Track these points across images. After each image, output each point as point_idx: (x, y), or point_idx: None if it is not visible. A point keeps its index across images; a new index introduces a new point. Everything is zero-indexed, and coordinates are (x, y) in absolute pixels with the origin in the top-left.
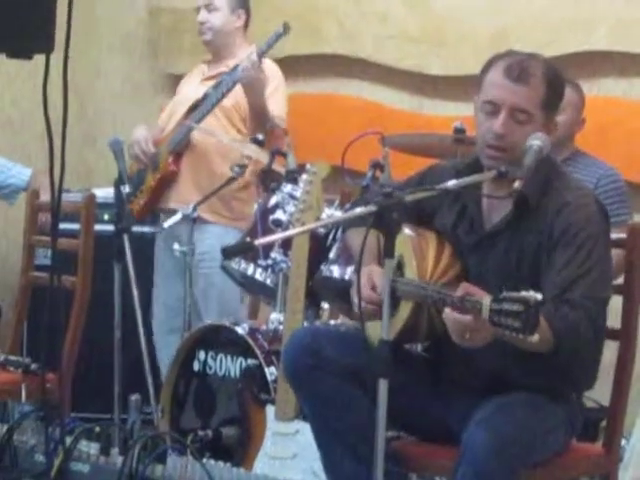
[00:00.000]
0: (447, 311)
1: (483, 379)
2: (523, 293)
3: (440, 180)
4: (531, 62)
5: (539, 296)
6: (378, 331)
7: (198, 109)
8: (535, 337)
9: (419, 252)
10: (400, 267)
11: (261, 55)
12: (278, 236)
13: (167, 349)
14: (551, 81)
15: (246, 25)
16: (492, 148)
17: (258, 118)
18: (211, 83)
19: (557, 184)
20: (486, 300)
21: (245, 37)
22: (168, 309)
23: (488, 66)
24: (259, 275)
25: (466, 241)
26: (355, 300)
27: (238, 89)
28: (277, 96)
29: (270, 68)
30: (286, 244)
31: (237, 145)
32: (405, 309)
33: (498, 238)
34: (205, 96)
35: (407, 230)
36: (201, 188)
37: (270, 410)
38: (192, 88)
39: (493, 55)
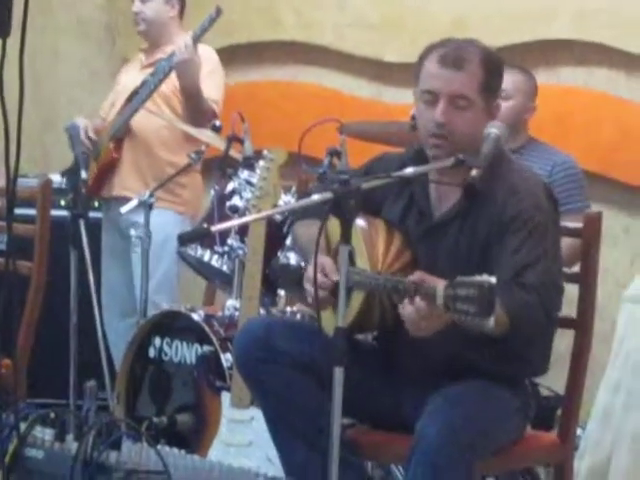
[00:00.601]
0: (405, 303)
1: (435, 366)
2: (477, 277)
3: (386, 171)
4: (467, 48)
5: (493, 280)
6: (332, 321)
7: (137, 96)
8: (491, 321)
9: (369, 241)
10: (351, 257)
11: (196, 39)
12: (234, 222)
13: (116, 334)
14: (488, 65)
15: (181, 13)
16: (435, 137)
17: (191, 100)
18: (149, 70)
19: (505, 171)
20: (440, 286)
21: (181, 24)
22: (114, 294)
23: (424, 56)
24: (215, 261)
25: (416, 231)
26: (310, 289)
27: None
28: (212, 80)
29: (206, 53)
30: (243, 231)
31: (194, 131)
32: (357, 299)
33: (448, 226)
34: (143, 83)
35: (357, 219)
36: (143, 174)
37: (225, 397)
38: (131, 77)
39: (428, 45)
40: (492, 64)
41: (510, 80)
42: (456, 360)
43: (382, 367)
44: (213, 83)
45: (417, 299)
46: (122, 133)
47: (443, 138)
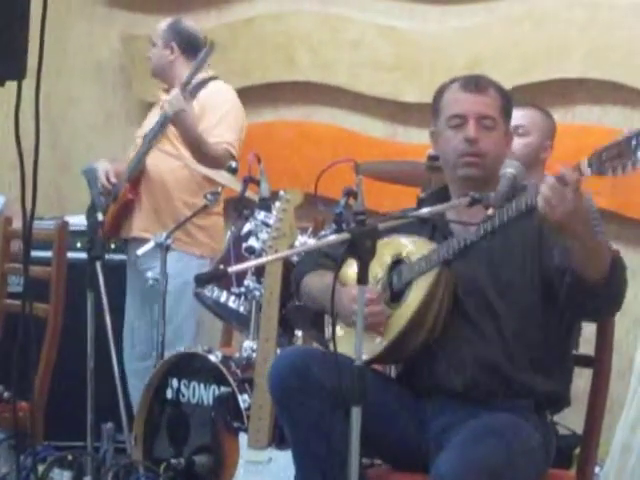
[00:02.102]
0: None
1: (471, 377)
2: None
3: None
4: (483, 77)
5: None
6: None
7: (145, 141)
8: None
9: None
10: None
11: (185, 85)
12: (251, 263)
13: (135, 376)
14: (503, 93)
15: (186, 53)
16: (467, 155)
17: (192, 147)
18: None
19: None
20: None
21: (188, 64)
22: (134, 335)
23: (442, 90)
24: (232, 303)
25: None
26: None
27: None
28: (225, 122)
29: (218, 95)
30: (259, 271)
31: (210, 173)
32: (415, 297)
33: (475, 244)
34: (152, 128)
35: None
36: (160, 216)
37: (243, 438)
38: (151, 117)
39: (440, 85)
40: (506, 93)
41: (528, 117)
42: (494, 375)
43: (405, 404)
44: (226, 125)
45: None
46: (137, 174)
47: (476, 156)
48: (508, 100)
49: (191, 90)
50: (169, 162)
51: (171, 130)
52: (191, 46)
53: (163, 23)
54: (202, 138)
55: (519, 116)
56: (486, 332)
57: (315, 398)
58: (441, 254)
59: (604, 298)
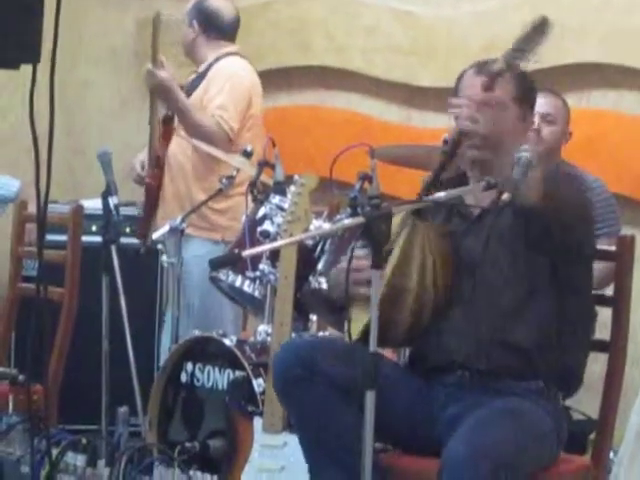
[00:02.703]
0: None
1: (482, 347)
2: None
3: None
4: (500, 63)
5: None
6: (363, 321)
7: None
8: None
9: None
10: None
11: (153, 58)
12: (266, 247)
13: None
14: (521, 79)
15: (207, 31)
16: (470, 136)
17: (182, 122)
18: None
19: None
20: None
21: (209, 44)
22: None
23: (460, 77)
24: (247, 287)
25: (460, 227)
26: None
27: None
28: (223, 94)
29: (225, 68)
30: (274, 256)
31: (224, 157)
32: (396, 251)
33: (486, 219)
34: None
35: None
36: (181, 201)
37: (258, 422)
38: None
39: (462, 70)
40: (524, 79)
41: (553, 105)
42: (503, 345)
43: (416, 390)
44: (223, 97)
45: None
46: (153, 160)
47: (475, 134)
48: (526, 87)
49: (207, 66)
50: (186, 150)
51: None
52: (211, 24)
53: (190, 3)
54: (189, 106)
55: (546, 104)
56: (489, 305)
57: (320, 386)
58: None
59: (545, 219)
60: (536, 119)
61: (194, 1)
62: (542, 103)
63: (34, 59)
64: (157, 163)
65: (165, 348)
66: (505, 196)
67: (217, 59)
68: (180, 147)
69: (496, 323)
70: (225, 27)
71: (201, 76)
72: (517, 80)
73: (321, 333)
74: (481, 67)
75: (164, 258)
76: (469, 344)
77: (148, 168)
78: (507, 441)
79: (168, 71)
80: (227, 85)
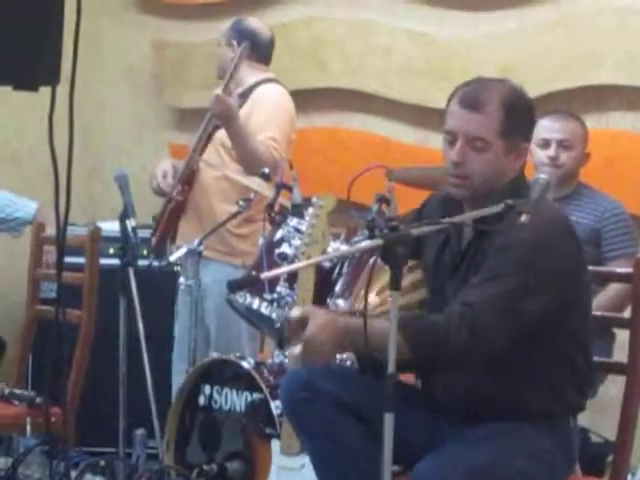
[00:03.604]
0: None
1: (462, 403)
2: None
3: (432, 210)
4: (488, 89)
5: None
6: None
7: (194, 143)
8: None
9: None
10: None
11: (225, 85)
12: (284, 269)
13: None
14: (509, 108)
15: (251, 52)
16: (453, 177)
17: (238, 146)
18: None
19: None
20: None
21: (249, 65)
22: (181, 342)
23: (451, 95)
24: (264, 309)
25: (449, 266)
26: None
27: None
28: (271, 122)
29: (269, 95)
30: (292, 278)
31: (242, 179)
32: None
33: (465, 260)
34: (201, 127)
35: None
36: (202, 224)
37: (275, 444)
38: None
39: (459, 84)
40: (515, 107)
41: (570, 129)
42: (478, 395)
43: (424, 411)
44: (272, 125)
45: None
46: (186, 175)
47: (461, 178)
48: (515, 115)
49: (244, 91)
50: (213, 171)
51: (217, 137)
52: (252, 44)
53: (227, 23)
54: (247, 134)
55: (562, 129)
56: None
57: (325, 406)
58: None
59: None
60: (553, 145)
61: (231, 22)
62: (558, 129)
63: (54, 81)
64: (189, 179)
65: (176, 367)
66: (524, 218)
67: (258, 83)
68: (208, 170)
69: (465, 373)
70: (263, 48)
71: (242, 97)
72: (504, 110)
73: (338, 355)
74: (464, 96)
75: (181, 280)
76: (449, 393)
77: (177, 183)
78: (481, 455)
79: (234, 99)
80: (276, 115)
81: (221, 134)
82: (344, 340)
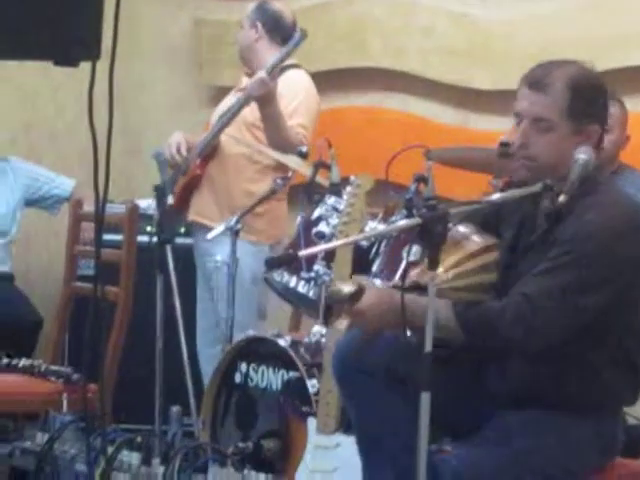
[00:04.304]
0: None
1: (512, 390)
2: None
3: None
4: (555, 70)
5: None
6: None
7: (220, 119)
8: None
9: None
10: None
11: (272, 68)
12: (321, 248)
13: (209, 360)
14: (576, 89)
15: (271, 32)
16: (516, 158)
17: (272, 131)
18: (240, 94)
19: (591, 194)
20: None
21: (271, 48)
22: (208, 320)
23: (522, 77)
24: (301, 287)
25: (524, 245)
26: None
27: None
28: (300, 109)
29: (294, 80)
30: (329, 257)
31: (281, 157)
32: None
33: (534, 248)
34: (229, 108)
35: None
36: (218, 201)
37: (311, 423)
38: (227, 99)
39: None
40: (583, 87)
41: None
42: (531, 387)
43: (470, 391)
44: (301, 112)
45: None
46: (209, 150)
47: (526, 159)
48: (582, 97)
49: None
50: (234, 149)
51: (241, 117)
52: (276, 26)
53: (252, 4)
54: (282, 119)
55: None
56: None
57: (376, 379)
58: None
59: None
60: None
61: (255, 3)
62: None
63: (94, 56)
64: (210, 154)
65: (200, 331)
66: (562, 198)
67: (282, 70)
68: (230, 148)
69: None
70: (288, 31)
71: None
72: (570, 91)
73: None
74: (531, 78)
75: (218, 258)
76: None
77: (197, 157)
78: (511, 447)
79: (275, 82)
80: (306, 103)
81: (245, 113)
82: (398, 317)
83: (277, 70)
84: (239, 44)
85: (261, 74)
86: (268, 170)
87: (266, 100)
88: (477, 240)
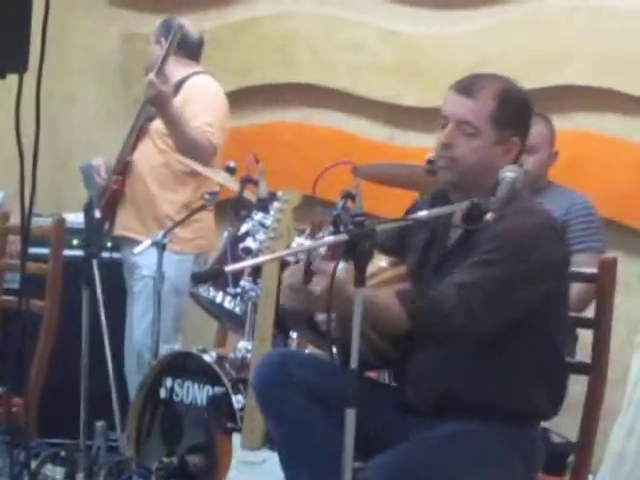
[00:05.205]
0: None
1: (432, 403)
2: None
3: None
4: (484, 80)
5: None
6: None
7: (130, 130)
8: None
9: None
10: None
11: (158, 69)
12: (248, 263)
13: (132, 376)
14: (503, 98)
15: (176, 50)
16: (440, 158)
17: (172, 130)
18: None
19: (514, 209)
20: None
21: (177, 62)
22: (130, 336)
23: (452, 84)
24: (228, 303)
25: (434, 261)
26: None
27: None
28: (206, 110)
29: (201, 85)
30: (256, 272)
31: (209, 173)
32: None
33: (451, 257)
34: (134, 120)
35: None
36: (141, 213)
37: (237, 438)
38: None
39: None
40: (509, 99)
41: (534, 133)
42: (448, 397)
43: (395, 408)
44: (207, 113)
45: None
46: (121, 165)
47: (447, 159)
48: (507, 107)
49: (176, 84)
50: (151, 159)
51: (153, 128)
52: (180, 42)
53: (158, 21)
54: (183, 120)
55: None
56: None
57: (298, 394)
58: None
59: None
60: None
61: (162, 20)
62: None
63: (21, 69)
64: (123, 170)
65: (127, 345)
66: (489, 216)
67: (189, 76)
68: (144, 160)
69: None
70: (192, 46)
71: (174, 90)
72: (497, 100)
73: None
74: (460, 82)
75: (145, 272)
76: (417, 392)
77: (113, 174)
78: (433, 458)
79: (168, 85)
80: (210, 103)
81: (157, 124)
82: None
83: (163, 69)
84: (147, 60)
85: (150, 76)
86: (190, 178)
87: (160, 102)
88: (387, 267)
